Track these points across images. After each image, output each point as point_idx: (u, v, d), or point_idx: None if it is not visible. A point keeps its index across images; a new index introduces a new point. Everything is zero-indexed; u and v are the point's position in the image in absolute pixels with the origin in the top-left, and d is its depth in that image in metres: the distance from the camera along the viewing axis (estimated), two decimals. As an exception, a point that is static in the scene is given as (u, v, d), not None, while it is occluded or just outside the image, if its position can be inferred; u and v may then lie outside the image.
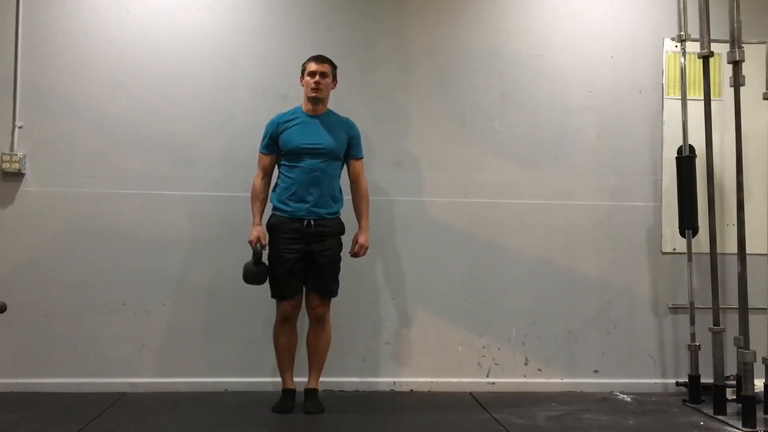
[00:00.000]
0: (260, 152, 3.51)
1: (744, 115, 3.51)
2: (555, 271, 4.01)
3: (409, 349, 3.93)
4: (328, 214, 3.40)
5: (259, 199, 3.48)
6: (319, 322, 3.43)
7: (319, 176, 3.38)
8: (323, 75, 3.41)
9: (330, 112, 3.51)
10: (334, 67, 3.49)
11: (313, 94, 3.41)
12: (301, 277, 3.40)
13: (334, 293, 3.46)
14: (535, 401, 3.72)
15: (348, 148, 3.49)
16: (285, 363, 3.45)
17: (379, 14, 3.98)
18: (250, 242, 3.38)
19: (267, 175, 3.50)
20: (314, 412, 3.34)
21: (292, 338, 3.46)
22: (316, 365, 3.46)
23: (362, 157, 3.54)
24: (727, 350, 3.65)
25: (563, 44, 4.05)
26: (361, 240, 3.47)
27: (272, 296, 3.43)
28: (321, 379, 3.51)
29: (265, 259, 3.38)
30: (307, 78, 3.42)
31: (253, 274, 3.35)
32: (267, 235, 3.43)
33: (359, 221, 3.51)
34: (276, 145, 3.44)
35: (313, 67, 3.42)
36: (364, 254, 3.50)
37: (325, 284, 3.41)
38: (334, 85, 3.51)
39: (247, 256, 3.42)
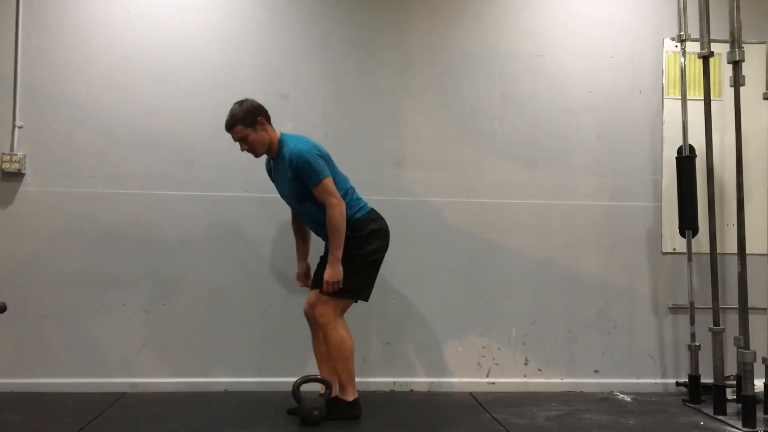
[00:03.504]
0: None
1: (744, 115, 3.51)
2: (555, 271, 4.01)
3: (409, 349, 3.93)
4: (325, 237, 3.27)
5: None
6: (319, 327, 3.28)
7: (305, 219, 3.35)
8: (241, 140, 3.17)
9: (280, 149, 3.20)
10: (243, 121, 3.14)
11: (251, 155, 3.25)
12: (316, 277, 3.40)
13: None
14: (535, 401, 3.72)
15: (305, 181, 3.15)
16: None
17: (378, 14, 3.98)
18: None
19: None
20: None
21: (315, 341, 3.39)
22: (328, 372, 3.33)
23: (319, 182, 3.11)
24: (727, 350, 3.65)
25: (563, 44, 4.05)
26: (325, 275, 3.15)
27: None
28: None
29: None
30: None
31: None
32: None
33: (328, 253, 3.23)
34: None
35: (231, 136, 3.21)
36: (332, 289, 3.16)
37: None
38: (258, 128, 3.16)
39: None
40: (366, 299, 3.33)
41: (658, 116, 4.08)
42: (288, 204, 3.38)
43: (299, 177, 3.14)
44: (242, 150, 3.24)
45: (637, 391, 3.95)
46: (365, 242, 3.24)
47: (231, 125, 3.18)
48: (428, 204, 3.96)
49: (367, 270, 3.29)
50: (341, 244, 3.14)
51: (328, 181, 3.13)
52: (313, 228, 3.36)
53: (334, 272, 3.14)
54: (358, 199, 3.34)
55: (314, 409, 3.17)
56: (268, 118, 3.24)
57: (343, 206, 3.14)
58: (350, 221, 3.21)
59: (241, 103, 3.21)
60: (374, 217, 3.32)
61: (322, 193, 3.12)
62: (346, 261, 3.18)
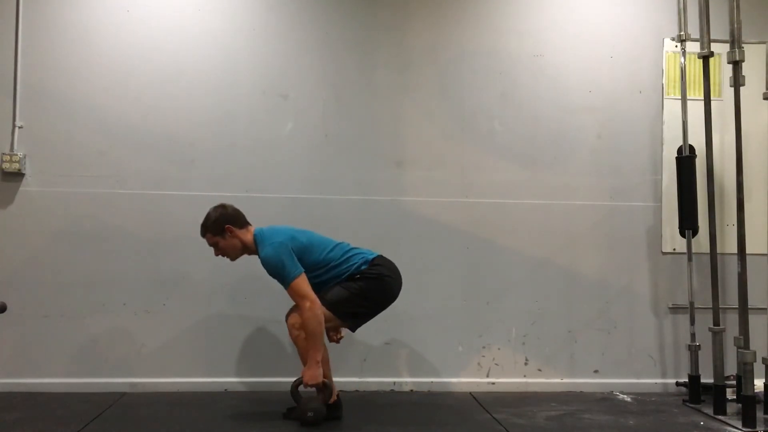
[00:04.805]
0: None
1: (744, 115, 3.51)
2: (555, 271, 4.01)
3: (409, 349, 3.94)
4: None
5: None
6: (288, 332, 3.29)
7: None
8: (213, 246, 3.27)
9: (257, 250, 3.23)
10: (211, 230, 3.23)
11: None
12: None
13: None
14: (535, 401, 3.72)
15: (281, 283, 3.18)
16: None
17: (379, 14, 3.98)
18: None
19: None
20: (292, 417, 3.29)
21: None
22: (328, 375, 3.32)
23: (289, 285, 3.10)
24: (727, 350, 3.65)
25: (563, 44, 4.06)
26: (305, 378, 3.12)
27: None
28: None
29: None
30: None
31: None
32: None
33: None
34: None
35: None
36: (314, 387, 3.16)
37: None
38: (227, 235, 3.23)
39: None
40: (353, 330, 3.34)
41: (658, 116, 4.08)
42: None
43: (276, 278, 3.16)
44: (216, 255, 3.31)
45: (637, 391, 3.95)
46: (363, 279, 3.22)
47: (202, 233, 3.28)
48: (428, 204, 3.96)
49: (370, 307, 3.27)
50: (318, 346, 3.12)
51: (298, 283, 3.10)
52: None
53: (312, 375, 3.11)
54: (356, 254, 3.29)
55: (309, 410, 3.16)
56: (240, 224, 3.26)
57: (317, 307, 3.09)
58: (360, 270, 3.23)
59: (215, 208, 3.27)
60: (378, 262, 3.29)
61: (294, 296, 3.13)
62: (357, 290, 3.20)
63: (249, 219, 3.80)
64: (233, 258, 3.31)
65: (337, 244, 3.31)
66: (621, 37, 4.08)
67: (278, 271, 3.12)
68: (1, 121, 3.75)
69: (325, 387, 3.19)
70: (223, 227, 3.23)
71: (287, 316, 3.24)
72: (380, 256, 3.33)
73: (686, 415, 3.54)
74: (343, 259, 3.25)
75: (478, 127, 4.01)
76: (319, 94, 3.93)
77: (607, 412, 3.54)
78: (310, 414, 3.15)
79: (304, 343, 3.14)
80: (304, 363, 3.17)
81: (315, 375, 3.11)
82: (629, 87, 4.08)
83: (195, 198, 3.84)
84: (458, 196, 3.98)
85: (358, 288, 3.21)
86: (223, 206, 3.29)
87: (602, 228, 4.05)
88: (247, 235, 3.26)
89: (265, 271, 3.16)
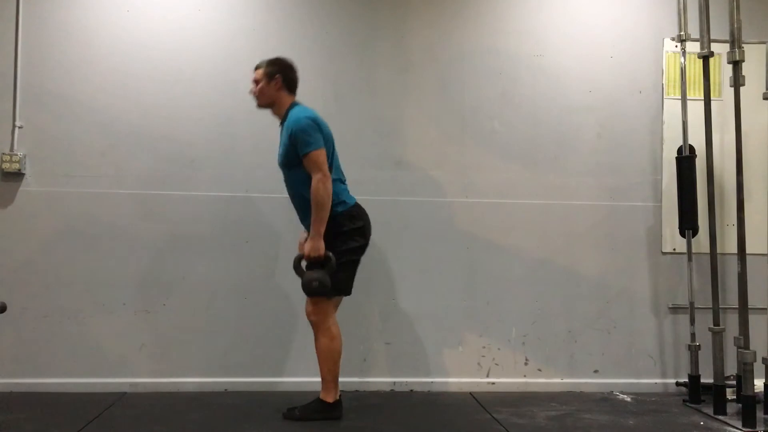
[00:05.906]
0: None
1: (744, 115, 3.51)
2: (555, 271, 4.01)
3: (409, 349, 3.93)
4: (308, 223, 3.20)
5: None
6: (312, 328, 3.27)
7: (288, 187, 3.29)
8: (255, 81, 3.32)
9: (288, 113, 3.25)
10: (266, 67, 3.30)
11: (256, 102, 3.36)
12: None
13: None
14: (535, 401, 3.72)
15: (297, 149, 3.15)
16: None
17: (378, 14, 3.98)
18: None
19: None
20: (291, 418, 3.28)
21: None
22: (320, 372, 3.27)
23: (308, 152, 3.10)
24: (727, 350, 3.65)
25: (563, 44, 4.06)
26: (306, 249, 3.12)
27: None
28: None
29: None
30: None
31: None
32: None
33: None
34: None
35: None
36: (314, 260, 3.11)
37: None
38: (272, 83, 3.27)
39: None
40: (348, 293, 3.31)
41: (658, 116, 4.08)
42: (282, 171, 3.33)
43: (294, 143, 3.15)
44: (250, 92, 3.34)
45: (637, 391, 3.95)
46: (345, 240, 3.21)
47: (257, 66, 3.34)
48: (428, 204, 3.96)
49: (348, 266, 3.26)
50: (323, 219, 3.10)
51: (318, 154, 3.12)
52: (297, 204, 3.29)
53: (314, 247, 3.09)
54: (341, 192, 3.27)
55: (314, 280, 3.09)
56: (289, 85, 3.31)
57: (329, 181, 3.11)
58: (336, 212, 3.19)
59: (283, 59, 3.34)
60: (354, 213, 3.27)
61: (310, 164, 3.12)
62: (344, 259, 3.20)
63: (249, 219, 3.82)
64: (260, 104, 3.33)
65: (338, 166, 3.34)
66: (621, 37, 4.08)
67: (303, 137, 3.12)
68: (1, 121, 3.75)
69: (327, 259, 3.12)
70: (275, 74, 3.28)
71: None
72: (357, 205, 3.31)
73: (686, 415, 3.54)
74: (334, 178, 3.23)
75: (478, 127, 4.01)
76: (319, 93, 3.92)
77: (607, 412, 3.54)
78: (315, 283, 3.08)
79: (322, 355, 3.18)
80: (323, 377, 3.20)
81: (317, 246, 3.09)
82: (629, 87, 4.08)
83: (195, 198, 3.84)
84: (458, 196, 3.98)
85: (343, 254, 3.18)
86: (291, 65, 3.35)
87: (602, 228, 4.05)
88: (286, 98, 3.31)
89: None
